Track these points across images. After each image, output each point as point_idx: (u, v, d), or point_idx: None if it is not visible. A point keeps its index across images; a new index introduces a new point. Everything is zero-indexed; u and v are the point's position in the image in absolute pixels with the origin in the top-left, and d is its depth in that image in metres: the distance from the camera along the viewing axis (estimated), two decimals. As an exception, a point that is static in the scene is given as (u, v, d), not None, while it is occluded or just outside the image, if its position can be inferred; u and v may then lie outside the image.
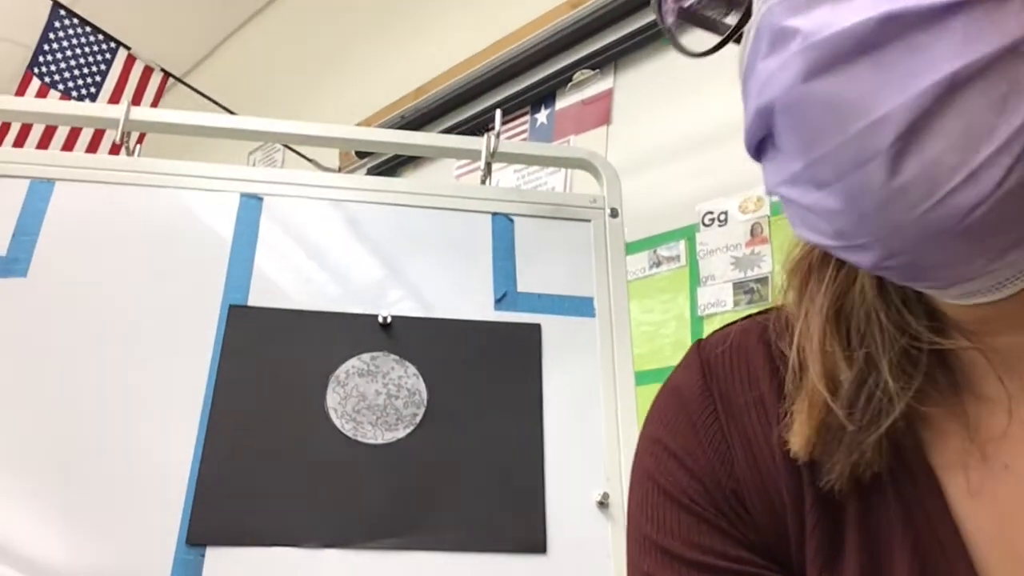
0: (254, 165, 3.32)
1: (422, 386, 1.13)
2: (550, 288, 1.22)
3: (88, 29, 2.86)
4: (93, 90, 2.80)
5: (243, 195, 1.24)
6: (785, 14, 0.35)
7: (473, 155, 1.35)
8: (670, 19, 0.47)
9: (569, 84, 2.29)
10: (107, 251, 1.17)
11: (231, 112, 2.66)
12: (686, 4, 0.48)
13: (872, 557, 0.45)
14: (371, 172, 2.82)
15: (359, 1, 3.16)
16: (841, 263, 0.47)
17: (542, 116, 2.36)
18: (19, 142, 2.58)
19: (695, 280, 1.81)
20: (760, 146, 0.40)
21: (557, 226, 1.28)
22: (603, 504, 1.07)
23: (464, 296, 1.20)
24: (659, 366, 1.79)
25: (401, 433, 1.09)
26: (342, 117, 2.84)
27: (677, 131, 2.00)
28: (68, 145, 2.64)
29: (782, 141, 0.37)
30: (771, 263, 1.68)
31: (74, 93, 2.78)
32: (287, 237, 1.23)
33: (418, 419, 1.11)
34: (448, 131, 2.52)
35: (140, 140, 1.35)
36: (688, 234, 1.86)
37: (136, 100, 2.86)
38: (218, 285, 1.17)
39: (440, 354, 1.16)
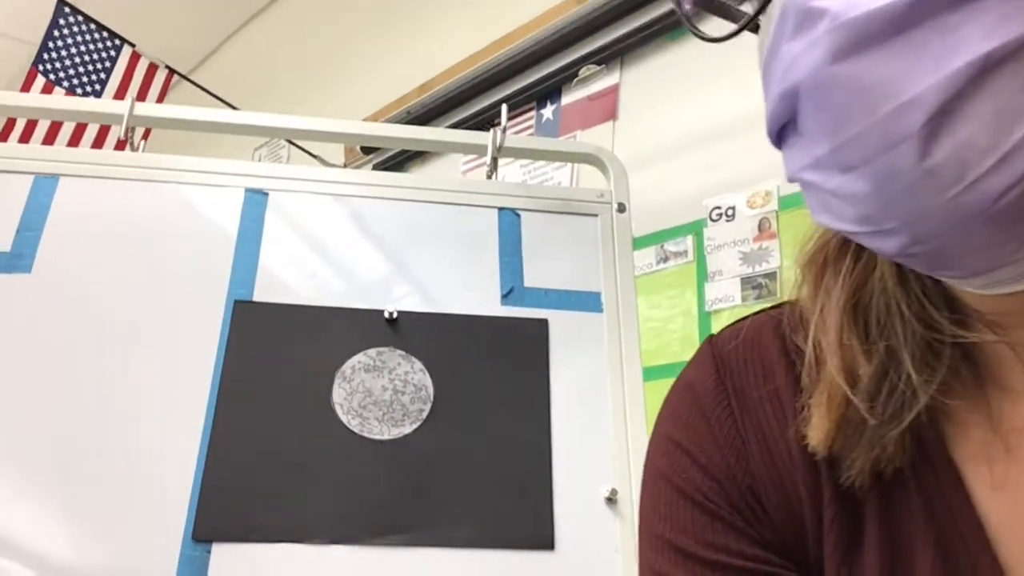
0: (259, 162, 3.31)
1: (428, 381, 1.12)
2: (557, 283, 1.22)
3: (92, 26, 2.86)
4: (98, 87, 2.80)
5: (248, 190, 1.24)
6: None
7: (479, 150, 1.34)
8: (687, 5, 0.47)
9: (575, 79, 2.28)
10: (111, 247, 1.17)
11: (235, 109, 2.65)
12: None
13: (893, 552, 0.44)
14: (376, 169, 2.82)
15: (359, 2, 3.15)
16: (858, 255, 0.46)
17: (548, 112, 2.34)
18: (24, 139, 2.57)
19: (702, 275, 1.80)
20: (782, 131, 0.39)
21: (564, 221, 1.27)
22: (611, 500, 1.06)
23: (470, 291, 1.20)
24: (666, 362, 1.78)
25: (407, 429, 1.09)
26: (346, 114, 2.83)
27: (684, 126, 1.99)
28: (73, 142, 2.64)
29: (807, 124, 0.36)
30: (779, 258, 1.67)
31: (79, 90, 2.78)
32: (292, 232, 1.22)
33: (424, 415, 1.10)
34: (453, 127, 2.51)
35: (145, 136, 1.34)
36: (695, 229, 1.85)
37: (141, 97, 2.85)
38: (223, 280, 1.16)
39: (446, 349, 1.15)
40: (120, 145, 1.27)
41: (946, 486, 0.44)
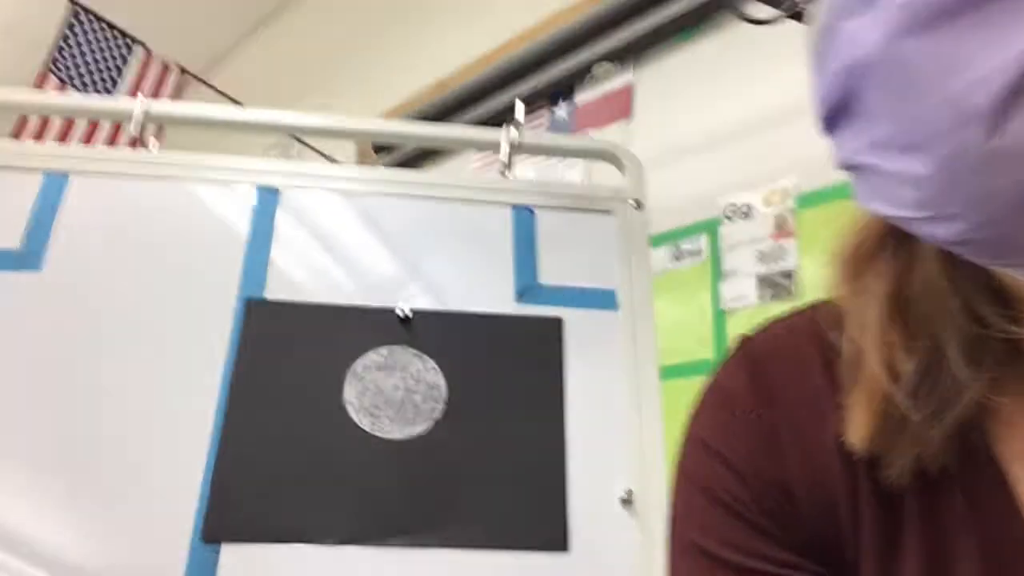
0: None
1: (441, 381, 1.10)
2: (572, 281, 1.20)
3: (105, 26, 2.86)
4: (110, 87, 2.80)
5: (259, 188, 1.22)
6: None
7: (493, 147, 1.32)
8: None
9: (588, 78, 2.26)
10: (122, 245, 1.16)
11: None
12: None
13: (934, 555, 0.42)
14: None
15: (371, 2, 3.14)
16: (899, 248, 0.44)
17: (561, 111, 2.33)
18: (36, 138, 2.57)
19: (717, 275, 1.78)
20: (834, 114, 0.37)
21: (579, 218, 1.25)
22: (627, 501, 1.04)
23: (484, 289, 1.18)
24: (679, 361, 1.76)
25: (419, 428, 1.07)
26: (358, 115, 2.82)
27: (698, 125, 1.97)
28: (85, 142, 2.64)
29: (867, 103, 0.34)
30: (797, 257, 1.65)
31: (91, 91, 2.78)
32: (304, 230, 1.20)
33: (437, 414, 1.08)
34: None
35: (159, 137, 1.33)
36: (710, 228, 1.83)
37: (153, 97, 2.85)
38: (234, 279, 1.15)
39: (459, 348, 1.13)
40: (132, 143, 1.26)
41: (991, 486, 0.42)
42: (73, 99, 1.31)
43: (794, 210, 1.68)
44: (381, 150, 2.80)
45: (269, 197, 1.22)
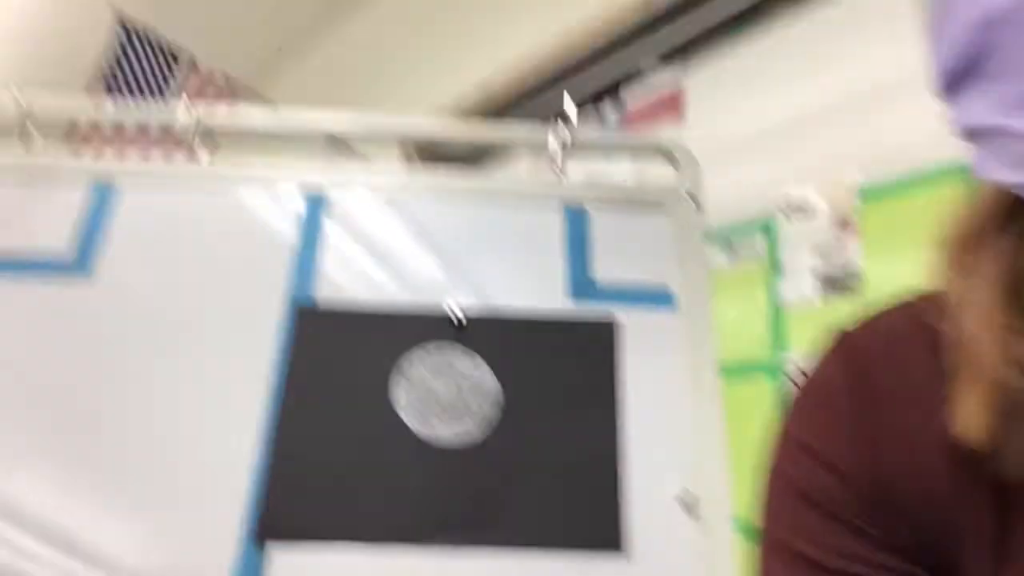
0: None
1: (493, 381, 1.08)
2: (627, 280, 1.16)
3: (151, 41, 2.90)
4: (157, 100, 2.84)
5: (306, 193, 1.21)
6: None
7: (543, 145, 1.29)
8: None
9: (637, 78, 2.23)
10: (171, 252, 1.16)
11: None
12: None
13: None
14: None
15: (414, 7, 3.14)
16: (1014, 227, 0.41)
17: (609, 113, 2.29)
18: (87, 148, 2.61)
19: (774, 273, 1.73)
20: (960, 74, 0.34)
21: (634, 216, 1.22)
22: (687, 503, 1.00)
23: (538, 290, 1.15)
24: (735, 362, 1.71)
25: (472, 429, 1.05)
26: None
27: (752, 122, 1.92)
28: (137, 152, 2.67)
29: (1001, 58, 0.32)
30: (860, 254, 1.59)
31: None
32: (352, 234, 1.19)
33: (489, 416, 1.05)
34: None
35: (208, 146, 1.33)
36: (766, 225, 1.77)
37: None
38: (283, 284, 1.14)
39: (513, 350, 1.11)
40: (178, 150, 1.26)
41: None
42: (126, 107, 1.31)
43: (856, 205, 1.63)
44: (431, 155, 2.78)
45: (316, 202, 1.21)
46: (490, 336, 1.11)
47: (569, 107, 1.28)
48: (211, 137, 1.29)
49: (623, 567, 0.97)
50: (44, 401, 1.05)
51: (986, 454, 0.41)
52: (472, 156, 2.60)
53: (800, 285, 1.67)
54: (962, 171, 1.53)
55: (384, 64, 3.25)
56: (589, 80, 2.29)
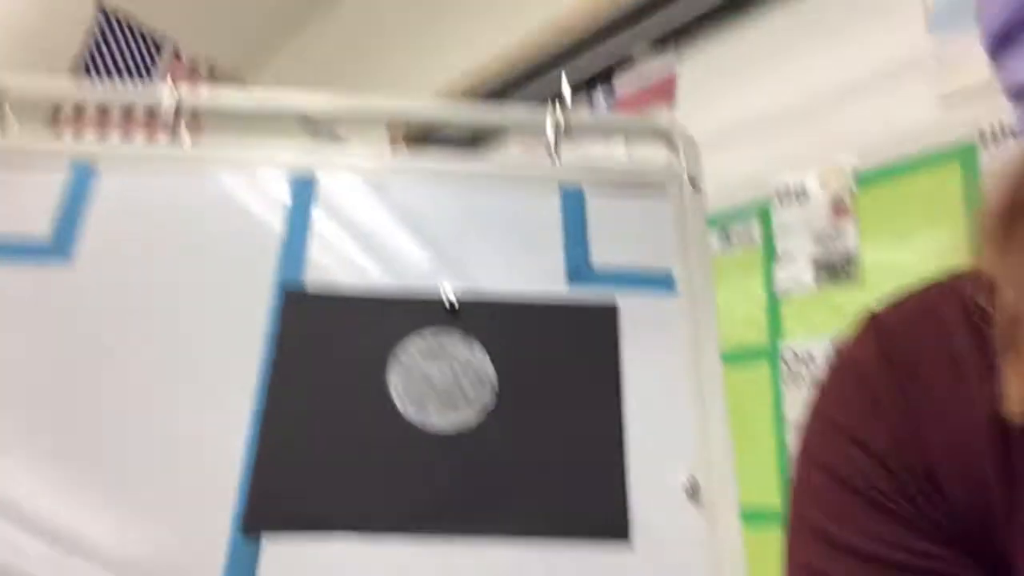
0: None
1: (490, 367, 1.05)
2: (626, 264, 1.14)
3: (132, 28, 2.85)
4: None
5: (294, 176, 1.18)
6: None
7: (537, 128, 1.26)
8: None
9: (627, 65, 2.20)
10: (154, 235, 1.12)
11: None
12: None
13: None
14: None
15: (400, 5, 3.10)
16: None
17: (600, 100, 2.26)
18: (72, 132, 2.56)
19: (770, 259, 1.70)
20: (1011, 29, 0.32)
21: (632, 199, 1.19)
22: (690, 489, 0.98)
23: (535, 274, 1.12)
24: (731, 348, 1.69)
25: (469, 416, 1.01)
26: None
27: (745, 108, 1.90)
28: (120, 135, 2.62)
29: None
30: (857, 239, 1.57)
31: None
32: (343, 218, 1.15)
33: (486, 401, 1.02)
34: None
35: (193, 131, 1.28)
36: (761, 211, 1.75)
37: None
38: (270, 268, 1.10)
39: (510, 335, 1.08)
40: (156, 132, 1.22)
41: None
42: (105, 89, 1.27)
43: (853, 191, 1.60)
44: (419, 141, 2.74)
45: (304, 185, 1.17)
46: (486, 321, 1.08)
47: (565, 89, 1.25)
48: (195, 120, 1.25)
49: (628, 556, 0.94)
50: (23, 393, 1.01)
51: None
52: (462, 142, 2.56)
53: (796, 271, 1.65)
54: (961, 154, 1.51)
55: (371, 52, 3.21)
56: (579, 67, 2.25)
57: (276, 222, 1.14)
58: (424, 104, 1.29)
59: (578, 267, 1.13)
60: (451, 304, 1.08)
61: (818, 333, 1.58)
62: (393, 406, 1.01)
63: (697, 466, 0.99)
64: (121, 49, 2.79)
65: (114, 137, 2.37)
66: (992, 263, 0.42)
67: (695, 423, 1.02)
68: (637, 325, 1.09)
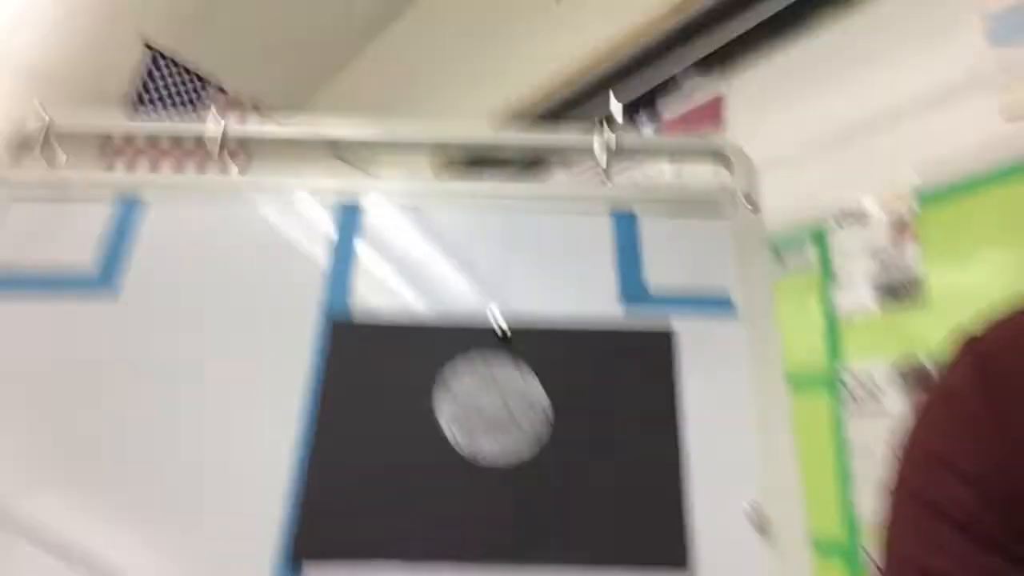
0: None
1: (543, 395, 1.01)
2: (682, 288, 1.09)
3: (182, 70, 2.89)
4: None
5: (340, 204, 1.16)
6: None
7: (587, 151, 1.23)
8: None
9: (674, 90, 2.17)
10: (200, 267, 1.11)
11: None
12: None
13: None
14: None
15: (444, 36, 3.11)
16: None
17: (645, 124, 2.23)
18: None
19: (827, 284, 1.64)
20: None
21: (687, 222, 1.15)
22: (754, 519, 0.92)
23: (588, 300, 1.08)
24: (789, 375, 1.63)
25: (520, 444, 0.97)
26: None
27: (799, 129, 1.85)
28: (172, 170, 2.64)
29: None
30: (919, 260, 1.51)
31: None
32: (390, 246, 1.13)
33: (538, 430, 0.98)
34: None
35: (241, 167, 1.28)
36: (817, 235, 1.70)
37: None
38: (316, 298, 1.08)
39: (563, 361, 1.04)
40: (203, 165, 1.21)
41: None
42: (151, 121, 1.27)
43: (914, 210, 1.54)
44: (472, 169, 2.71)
45: (349, 213, 1.15)
46: (537, 347, 1.04)
47: (615, 108, 1.21)
48: (243, 152, 1.24)
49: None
50: (69, 421, 1.00)
51: None
52: (512, 173, 2.54)
53: (856, 294, 1.59)
54: (1027, 170, 1.45)
55: (417, 83, 3.22)
56: (623, 92, 2.23)
57: (321, 250, 1.12)
58: (468, 129, 1.26)
59: (632, 289, 1.09)
60: (501, 330, 1.04)
61: (880, 357, 1.51)
62: (442, 435, 0.98)
63: (762, 494, 0.94)
64: (168, 87, 2.83)
65: (164, 169, 2.38)
66: None
67: (758, 449, 0.97)
68: (695, 349, 1.04)
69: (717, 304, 1.08)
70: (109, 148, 2.50)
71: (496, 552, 0.91)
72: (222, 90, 2.98)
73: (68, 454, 0.97)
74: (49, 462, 0.97)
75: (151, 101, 2.75)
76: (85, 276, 1.09)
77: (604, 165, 1.19)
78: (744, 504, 0.93)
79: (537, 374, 1.02)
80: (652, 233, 1.14)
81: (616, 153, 1.20)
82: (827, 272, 1.66)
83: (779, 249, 1.75)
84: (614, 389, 1.01)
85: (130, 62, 2.82)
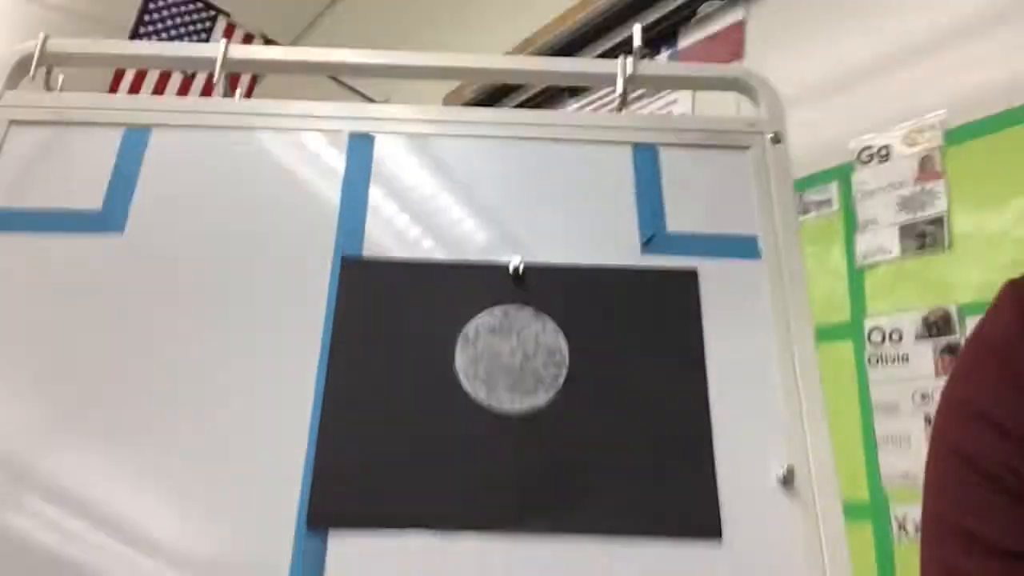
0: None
1: (563, 343, 0.97)
2: (705, 227, 1.05)
3: (189, 2, 2.81)
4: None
5: (352, 134, 1.11)
6: None
7: (606, 81, 1.18)
8: None
9: (693, 19, 2.09)
10: (207, 202, 1.06)
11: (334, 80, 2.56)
12: None
13: None
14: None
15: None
16: None
17: (663, 58, 2.16)
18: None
19: (851, 226, 1.60)
20: None
21: (710, 156, 1.10)
22: (787, 481, 0.89)
23: (606, 239, 1.04)
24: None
25: (542, 398, 0.94)
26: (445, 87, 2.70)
27: (822, 65, 1.79)
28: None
29: None
30: (946, 201, 1.46)
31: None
32: (403, 179, 1.08)
33: (560, 381, 0.95)
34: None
35: (234, 84, 1.23)
36: (841, 174, 1.64)
37: (236, 76, 2.79)
38: (330, 235, 1.04)
39: (582, 306, 1.00)
40: (209, 90, 1.17)
41: None
42: (151, 47, 1.22)
43: (942, 147, 1.49)
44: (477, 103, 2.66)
45: (362, 144, 1.10)
46: (556, 290, 1.00)
47: (637, 37, 1.16)
48: (252, 84, 1.19)
49: (722, 554, 0.86)
50: (80, 373, 0.95)
51: None
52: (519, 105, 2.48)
53: (881, 239, 1.54)
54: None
55: (422, 25, 3.14)
56: (642, 23, 2.16)
57: (334, 181, 1.07)
58: (484, 59, 1.21)
59: (652, 235, 1.04)
60: (516, 272, 1.00)
61: (906, 307, 1.47)
62: (461, 388, 0.94)
63: (792, 452, 0.91)
64: (174, 19, 2.75)
65: (156, 98, 2.34)
66: None
67: (786, 403, 0.93)
68: (717, 295, 1.00)
69: (740, 245, 1.03)
70: (116, 83, 2.45)
71: (520, 518, 0.88)
72: (230, 24, 2.90)
73: (79, 408, 0.93)
74: (61, 416, 0.93)
75: (155, 33, 2.68)
76: (91, 213, 1.05)
77: (621, 94, 1.14)
78: (774, 464, 0.90)
79: (558, 321, 0.98)
80: (672, 168, 1.09)
81: (635, 81, 1.15)
82: (851, 216, 1.61)
83: (801, 191, 1.70)
84: (639, 336, 0.97)
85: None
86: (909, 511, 1.33)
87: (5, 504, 0.88)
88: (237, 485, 0.89)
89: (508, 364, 0.96)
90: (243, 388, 0.95)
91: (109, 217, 1.05)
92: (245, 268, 1.02)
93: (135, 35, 2.67)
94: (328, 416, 0.92)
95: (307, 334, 0.97)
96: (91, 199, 1.06)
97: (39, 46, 1.16)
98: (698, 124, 1.15)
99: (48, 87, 1.18)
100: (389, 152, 1.10)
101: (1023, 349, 0.43)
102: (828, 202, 1.64)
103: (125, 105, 1.14)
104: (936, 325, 1.37)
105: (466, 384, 0.94)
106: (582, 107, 2.25)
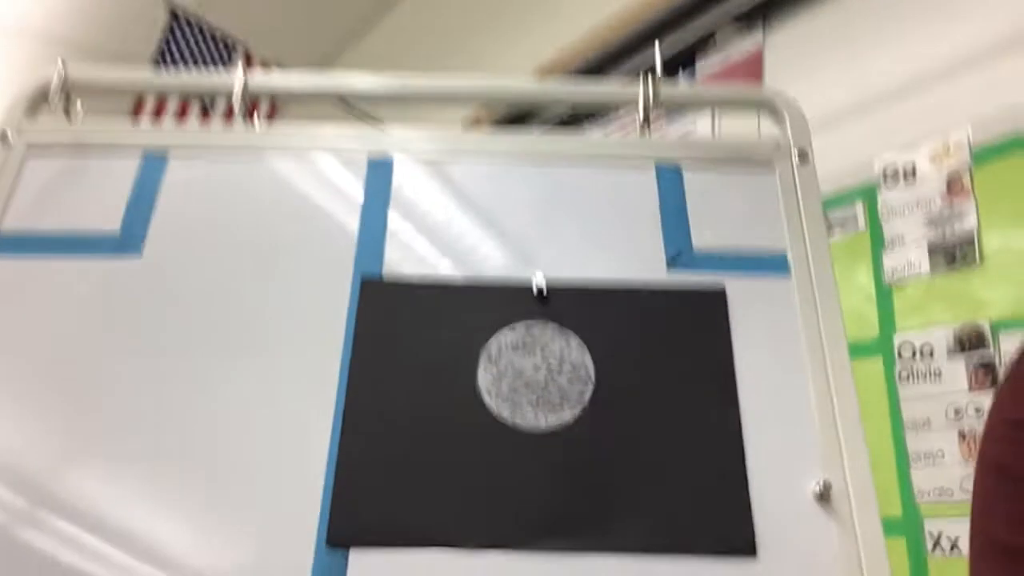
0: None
1: (588, 359, 0.95)
2: (732, 244, 1.03)
3: (205, 31, 2.84)
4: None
5: (371, 157, 1.10)
6: None
7: (627, 103, 1.17)
8: None
9: (711, 45, 2.09)
10: (226, 225, 1.06)
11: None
12: None
13: None
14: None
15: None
16: None
17: (682, 81, 2.16)
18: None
19: (878, 245, 1.57)
20: None
21: (735, 175, 1.09)
22: (823, 496, 0.87)
23: (630, 257, 1.03)
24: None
25: (568, 415, 0.92)
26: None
27: (840, 87, 1.77)
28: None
29: None
30: (975, 218, 1.44)
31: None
32: (423, 201, 1.08)
33: (586, 397, 0.93)
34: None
35: (252, 113, 1.23)
36: (865, 193, 1.62)
37: (255, 103, 2.82)
38: (349, 258, 1.03)
39: (607, 323, 0.98)
40: (229, 116, 1.16)
41: None
42: (171, 76, 1.22)
43: (970, 165, 1.47)
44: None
45: (382, 167, 1.10)
46: (581, 309, 0.98)
47: (658, 59, 1.15)
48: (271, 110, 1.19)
49: (757, 572, 0.83)
50: (99, 394, 0.94)
51: None
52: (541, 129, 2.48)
53: (908, 257, 1.52)
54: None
55: (443, 51, 3.16)
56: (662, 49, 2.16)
57: (354, 205, 1.07)
58: (503, 81, 1.21)
59: (678, 251, 1.03)
60: (541, 291, 0.99)
61: (936, 323, 1.44)
62: (484, 406, 0.93)
63: (827, 468, 0.88)
64: (192, 51, 2.78)
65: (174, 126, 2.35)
66: None
67: (821, 420, 0.91)
68: (746, 310, 0.98)
69: (769, 264, 1.02)
70: (137, 112, 2.47)
71: (546, 538, 0.85)
72: (248, 55, 2.93)
73: (99, 428, 0.93)
74: (80, 436, 0.92)
75: (173, 62, 2.71)
76: (109, 236, 1.05)
77: (644, 116, 1.13)
78: (809, 480, 0.87)
79: (584, 339, 0.96)
80: (698, 190, 1.08)
81: (659, 104, 1.14)
82: (877, 234, 1.59)
83: (826, 210, 1.68)
84: (667, 355, 0.95)
85: (152, 26, 2.77)
86: (944, 527, 1.30)
87: (29, 525, 0.87)
88: (258, 504, 0.88)
89: (532, 380, 0.94)
90: (264, 410, 0.93)
91: (127, 240, 1.05)
92: (264, 291, 1.01)
93: (154, 67, 2.70)
94: (348, 435, 0.91)
95: (327, 356, 0.96)
96: (109, 222, 1.06)
97: (59, 73, 1.17)
98: (722, 144, 1.13)
99: (68, 116, 1.18)
100: (408, 176, 1.09)
101: None
102: (853, 220, 1.62)
103: (143, 130, 1.15)
104: (968, 340, 1.35)
105: (489, 402, 0.93)
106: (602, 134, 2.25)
